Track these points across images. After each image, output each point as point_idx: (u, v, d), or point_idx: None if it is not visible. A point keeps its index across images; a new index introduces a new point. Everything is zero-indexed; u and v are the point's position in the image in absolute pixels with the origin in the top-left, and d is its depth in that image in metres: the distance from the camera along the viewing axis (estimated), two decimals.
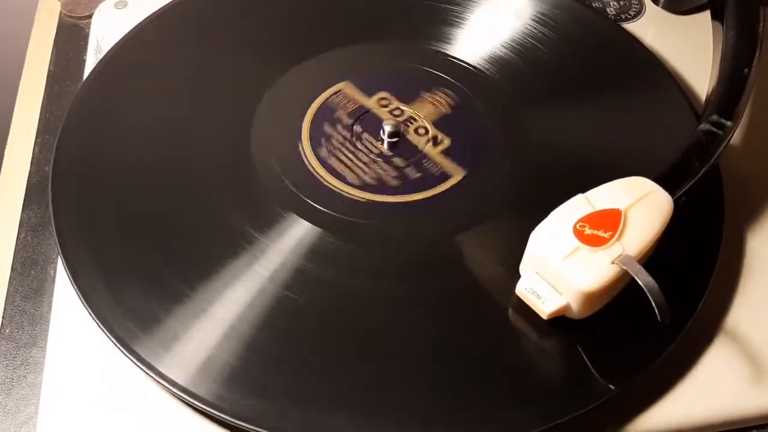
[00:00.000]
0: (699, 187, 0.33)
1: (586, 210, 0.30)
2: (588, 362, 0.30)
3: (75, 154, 0.35)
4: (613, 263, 0.28)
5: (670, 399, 0.30)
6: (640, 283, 0.27)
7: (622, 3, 0.47)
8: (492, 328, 0.31)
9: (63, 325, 0.31)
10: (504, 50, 0.41)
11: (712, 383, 0.31)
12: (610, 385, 0.29)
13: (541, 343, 0.30)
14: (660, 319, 0.27)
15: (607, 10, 0.47)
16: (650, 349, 0.30)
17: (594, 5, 0.47)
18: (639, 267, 0.28)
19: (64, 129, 0.36)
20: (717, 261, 0.33)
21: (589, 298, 0.28)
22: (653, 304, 0.27)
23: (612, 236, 0.29)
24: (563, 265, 0.28)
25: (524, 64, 0.40)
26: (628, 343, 0.30)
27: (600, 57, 0.41)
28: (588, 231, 0.29)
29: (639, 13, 0.47)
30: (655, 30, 0.45)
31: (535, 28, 0.42)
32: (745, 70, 0.36)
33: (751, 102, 0.42)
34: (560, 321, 0.30)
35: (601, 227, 0.29)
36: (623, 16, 0.47)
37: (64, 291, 0.32)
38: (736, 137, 0.40)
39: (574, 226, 0.29)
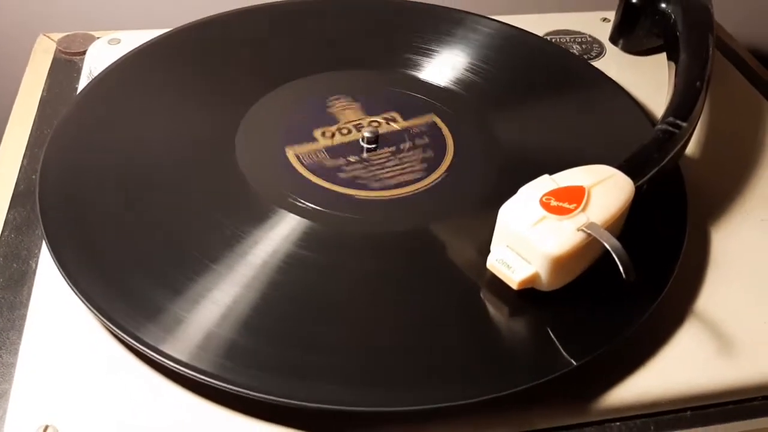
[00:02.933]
0: (661, 184, 0.35)
1: (552, 187, 0.31)
2: (552, 334, 0.30)
3: (65, 156, 0.37)
4: (578, 230, 0.29)
5: (642, 373, 0.31)
6: (605, 244, 0.29)
7: (583, 46, 0.51)
8: (464, 302, 0.31)
9: (41, 309, 0.32)
10: (468, 74, 0.44)
11: (683, 359, 0.31)
12: (572, 359, 0.29)
13: (508, 315, 0.31)
14: (625, 277, 0.28)
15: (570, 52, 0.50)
16: (616, 325, 0.31)
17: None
18: (604, 231, 0.29)
19: (58, 125, 0.38)
20: (683, 246, 0.34)
21: (557, 264, 0.29)
22: (618, 263, 0.28)
23: (577, 207, 0.30)
24: (530, 232, 0.30)
25: (487, 84, 0.44)
26: (595, 318, 0.31)
27: (559, 80, 0.45)
28: (554, 203, 0.30)
29: (600, 54, 0.50)
30: (615, 69, 0.49)
31: (491, 58, 0.45)
32: (698, 83, 0.39)
33: (711, 119, 0.45)
34: (530, 295, 0.31)
35: (566, 200, 0.31)
36: (585, 57, 0.50)
37: (44, 280, 0.33)
38: (695, 151, 0.42)
39: (540, 199, 0.31)
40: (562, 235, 0.29)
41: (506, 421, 0.29)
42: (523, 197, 0.31)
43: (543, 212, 0.30)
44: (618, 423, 0.30)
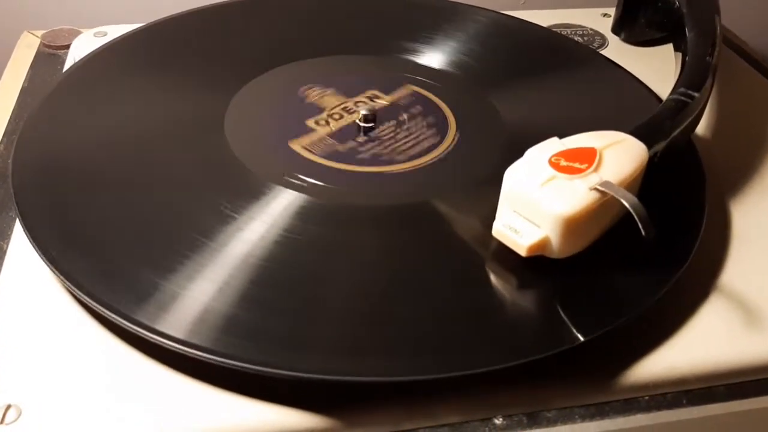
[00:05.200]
0: (676, 161, 0.34)
1: (560, 148, 0.29)
2: (560, 307, 0.28)
3: (42, 136, 0.35)
4: (591, 189, 0.27)
5: (668, 349, 0.28)
6: (621, 199, 0.26)
7: (585, 38, 0.49)
8: (469, 274, 0.29)
9: (10, 289, 0.30)
10: (465, 58, 0.43)
11: (709, 335, 0.29)
12: (579, 335, 0.27)
13: (516, 285, 0.29)
14: (644, 234, 0.26)
15: None
16: (631, 300, 0.28)
17: None
18: (619, 188, 0.27)
19: (36, 107, 0.36)
20: (703, 219, 0.32)
21: (568, 227, 0.27)
22: (637, 219, 0.26)
23: (588, 167, 0.28)
24: (539, 192, 0.27)
25: (480, 65, 0.42)
26: (610, 291, 0.29)
27: (561, 62, 0.44)
28: (563, 163, 0.28)
29: (602, 45, 0.49)
30: (618, 60, 0.47)
31: (482, 41, 0.44)
32: (707, 57, 0.38)
33: (720, 103, 0.43)
34: (539, 263, 0.28)
35: (577, 161, 0.28)
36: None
37: (15, 260, 0.31)
38: (706, 132, 0.41)
39: (549, 159, 0.28)
40: (574, 195, 0.27)
41: (522, 400, 0.27)
42: (530, 158, 0.29)
43: (552, 172, 0.28)
44: (646, 398, 0.27)
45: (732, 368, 0.28)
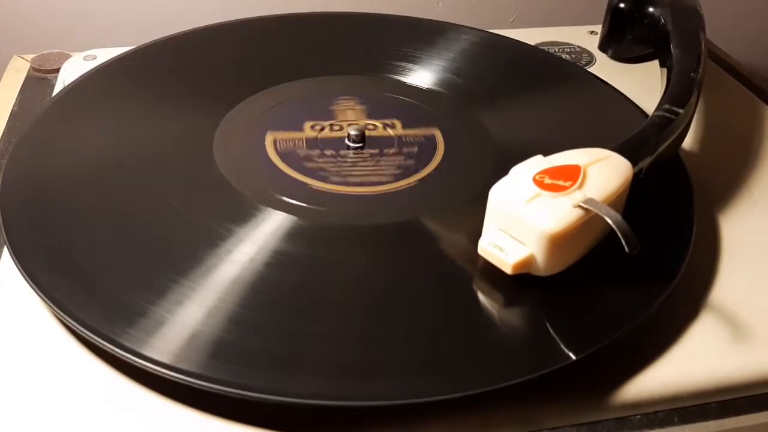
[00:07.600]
0: (665, 176, 0.34)
1: (545, 166, 0.29)
2: (549, 325, 0.28)
3: (32, 161, 0.35)
4: (575, 206, 0.27)
5: (660, 366, 0.28)
6: (604, 216, 0.26)
7: (573, 55, 0.50)
8: (455, 291, 0.29)
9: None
10: (454, 77, 0.43)
11: (701, 351, 0.29)
12: (570, 353, 0.27)
13: (502, 304, 0.29)
14: (628, 251, 0.26)
15: None
16: (621, 316, 0.28)
17: None
18: (603, 205, 0.27)
19: (25, 132, 0.36)
20: (692, 234, 0.32)
21: (553, 243, 0.27)
22: (620, 235, 0.26)
23: (572, 185, 0.28)
24: (524, 209, 0.27)
25: (467, 83, 0.43)
26: (600, 308, 0.29)
27: (568, 89, 0.44)
28: (548, 181, 0.28)
29: (590, 62, 0.49)
30: (605, 77, 0.47)
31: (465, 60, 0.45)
32: (692, 74, 0.38)
33: (707, 118, 0.43)
34: (526, 282, 0.28)
35: (561, 178, 0.29)
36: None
37: (1, 284, 0.31)
38: (694, 147, 0.41)
39: (534, 177, 0.29)
40: (558, 212, 0.27)
41: (512, 419, 0.26)
42: (515, 176, 0.29)
43: (537, 189, 0.28)
44: (639, 416, 0.27)
45: (724, 384, 0.28)
